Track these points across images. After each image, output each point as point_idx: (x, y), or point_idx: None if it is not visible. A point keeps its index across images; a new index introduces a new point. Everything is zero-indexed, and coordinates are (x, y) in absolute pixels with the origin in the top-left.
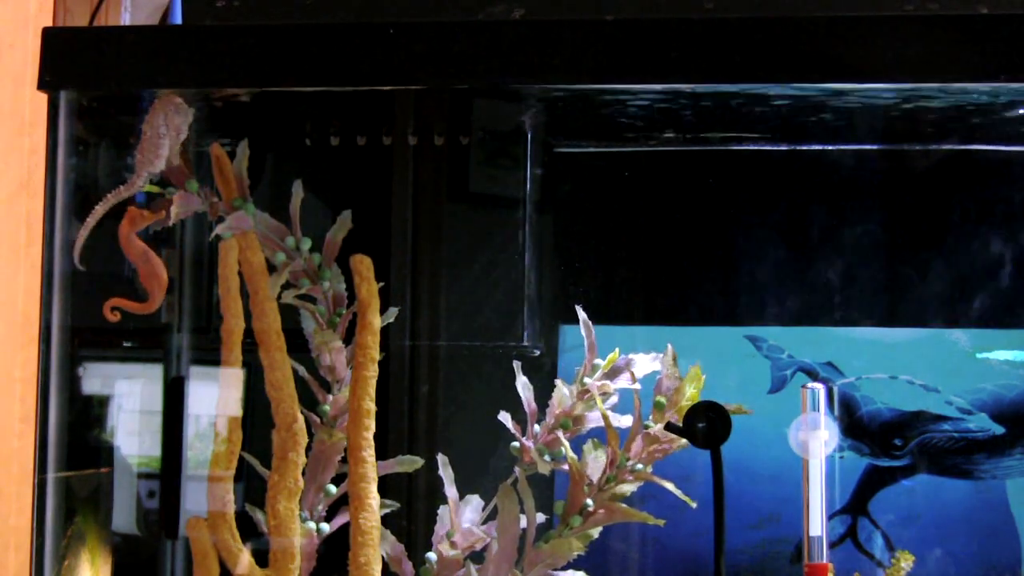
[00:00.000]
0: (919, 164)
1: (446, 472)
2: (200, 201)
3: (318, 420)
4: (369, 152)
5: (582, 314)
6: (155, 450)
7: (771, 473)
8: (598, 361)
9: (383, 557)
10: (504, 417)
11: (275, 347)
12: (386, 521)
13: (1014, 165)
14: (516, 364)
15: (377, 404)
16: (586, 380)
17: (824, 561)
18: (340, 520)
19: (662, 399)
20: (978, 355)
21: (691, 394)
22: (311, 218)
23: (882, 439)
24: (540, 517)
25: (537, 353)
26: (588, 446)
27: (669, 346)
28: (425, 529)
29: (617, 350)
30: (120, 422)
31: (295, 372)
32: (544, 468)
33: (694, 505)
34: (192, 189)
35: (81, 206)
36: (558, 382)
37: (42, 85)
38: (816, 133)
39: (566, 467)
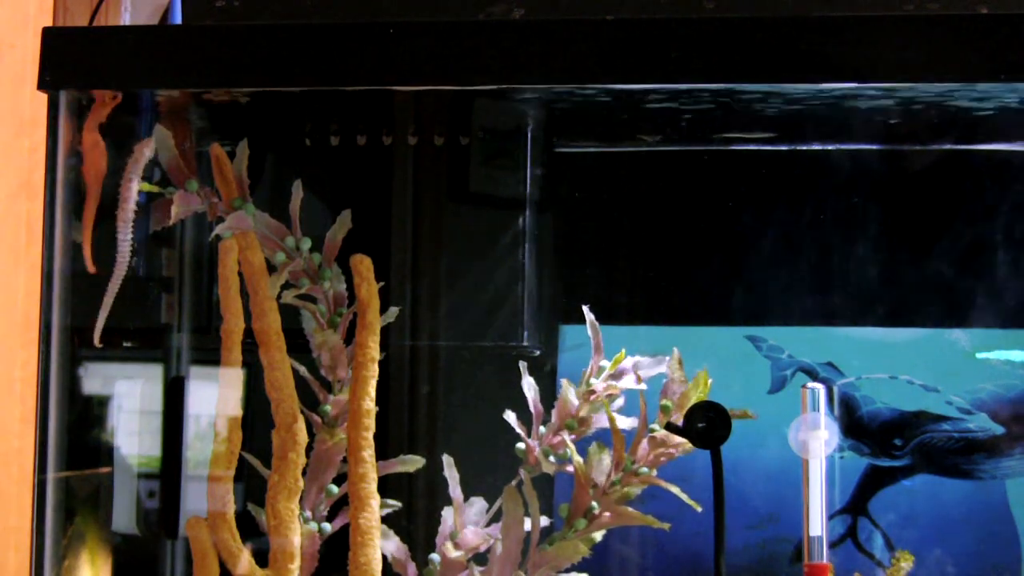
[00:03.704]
0: (919, 164)
1: (451, 473)
2: (200, 201)
3: (319, 420)
4: (369, 152)
5: (589, 316)
6: (155, 450)
7: (771, 473)
8: (604, 363)
9: (385, 558)
10: (510, 418)
11: (275, 347)
12: (387, 521)
13: (1015, 165)
14: (521, 365)
15: (377, 404)
16: (592, 382)
17: (824, 561)
18: (342, 520)
19: (668, 403)
20: (978, 355)
21: (698, 399)
22: (311, 218)
23: (882, 439)
24: (543, 519)
25: (537, 353)
26: (593, 448)
27: (675, 350)
28: (426, 530)
29: (623, 351)
30: (120, 422)
31: (295, 372)
32: (549, 469)
33: (700, 509)
34: (192, 189)
35: (80, 206)
36: (564, 383)
37: (42, 85)
38: (816, 133)
39: (570, 469)
